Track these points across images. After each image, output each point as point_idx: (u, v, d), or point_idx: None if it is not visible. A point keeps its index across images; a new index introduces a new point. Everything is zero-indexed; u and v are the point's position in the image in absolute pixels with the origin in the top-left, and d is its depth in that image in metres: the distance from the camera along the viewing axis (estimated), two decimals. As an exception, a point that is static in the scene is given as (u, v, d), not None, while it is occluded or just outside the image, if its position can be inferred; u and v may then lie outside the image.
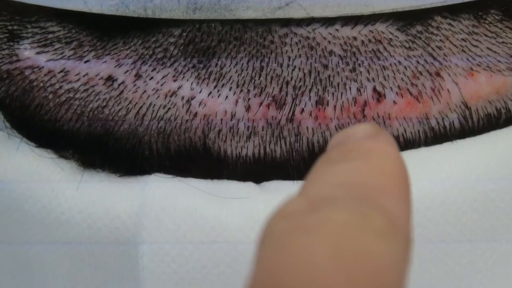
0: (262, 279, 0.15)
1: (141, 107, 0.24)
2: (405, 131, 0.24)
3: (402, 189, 0.17)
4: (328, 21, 0.24)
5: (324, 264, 0.15)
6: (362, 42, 0.24)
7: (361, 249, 0.15)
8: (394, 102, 0.24)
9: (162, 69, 0.24)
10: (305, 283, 0.14)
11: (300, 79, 0.24)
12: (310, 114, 0.24)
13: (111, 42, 0.25)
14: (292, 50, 0.24)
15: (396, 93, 0.24)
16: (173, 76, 0.24)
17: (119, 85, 0.24)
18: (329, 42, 0.24)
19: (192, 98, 0.24)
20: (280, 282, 0.15)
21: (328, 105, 0.24)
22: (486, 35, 0.25)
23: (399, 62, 0.24)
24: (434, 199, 0.23)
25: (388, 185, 0.17)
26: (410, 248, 0.16)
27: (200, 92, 0.24)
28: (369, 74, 0.24)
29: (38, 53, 0.25)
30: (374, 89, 0.24)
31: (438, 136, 0.25)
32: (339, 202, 0.16)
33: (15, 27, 0.25)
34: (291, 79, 0.24)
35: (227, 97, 0.24)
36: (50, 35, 0.25)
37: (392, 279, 0.15)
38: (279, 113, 0.24)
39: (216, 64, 0.24)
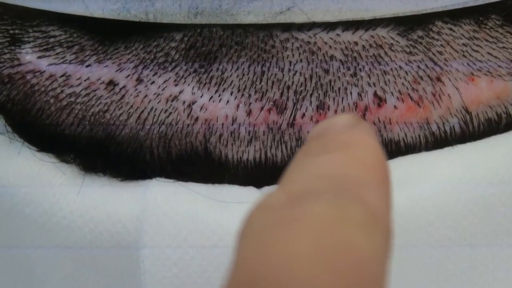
0: (242, 273, 0.15)
1: (142, 111, 0.24)
2: (405, 135, 0.24)
3: (382, 181, 0.17)
4: (329, 26, 0.24)
5: (306, 257, 0.15)
6: (363, 47, 0.24)
7: (343, 241, 0.15)
8: (395, 107, 0.24)
9: (164, 73, 0.24)
10: (287, 275, 0.14)
11: (301, 83, 0.24)
12: (311, 119, 0.24)
13: (113, 46, 0.25)
14: (293, 54, 0.24)
15: (397, 98, 0.24)
16: (175, 80, 0.24)
17: (120, 89, 0.24)
18: (330, 47, 0.24)
19: (193, 102, 0.24)
20: (260, 275, 0.15)
21: (329, 110, 0.24)
22: (486, 40, 0.25)
23: (400, 67, 0.24)
24: (434, 203, 0.23)
25: (368, 176, 0.17)
26: (391, 240, 0.16)
27: (201, 97, 0.24)
28: (370, 79, 0.24)
29: (39, 57, 0.25)
30: (375, 94, 0.24)
31: (438, 140, 0.25)
32: (319, 195, 0.16)
33: (16, 31, 0.25)
34: (292, 84, 0.24)
35: (228, 101, 0.24)
36: (52, 39, 0.25)
37: (374, 270, 0.15)
38: (280, 117, 0.24)
39: (217, 69, 0.24)
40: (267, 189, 0.25)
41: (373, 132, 0.19)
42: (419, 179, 0.24)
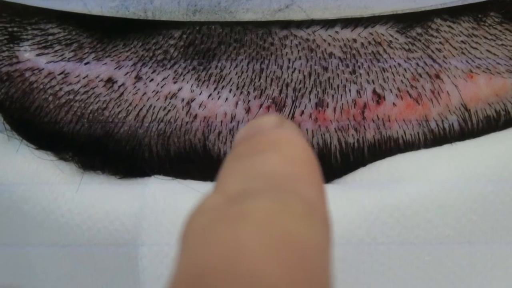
0: (187, 268, 0.15)
1: (141, 109, 0.24)
2: (404, 133, 0.24)
3: (313, 175, 0.18)
4: (328, 23, 0.24)
5: (252, 249, 0.15)
6: (362, 44, 0.24)
7: (286, 232, 0.16)
8: (394, 104, 0.24)
9: (162, 71, 0.24)
10: (234, 266, 0.15)
11: (300, 81, 0.24)
12: (310, 116, 0.24)
13: (111, 44, 0.25)
14: (292, 52, 0.24)
15: (396, 95, 0.24)
16: (173, 78, 0.24)
17: (119, 87, 0.24)
18: (329, 44, 0.24)
19: (192, 100, 0.24)
20: (207, 268, 0.15)
21: (328, 107, 0.24)
22: (485, 38, 0.25)
23: (399, 64, 0.24)
24: (433, 201, 0.23)
25: (300, 172, 0.18)
26: (330, 229, 0.17)
27: (200, 94, 0.24)
28: (368, 76, 0.24)
29: (38, 55, 0.25)
30: (374, 91, 0.24)
31: (437, 138, 0.25)
32: (258, 192, 0.17)
33: (15, 29, 0.25)
34: (291, 81, 0.24)
35: (227, 99, 0.24)
36: (50, 37, 0.25)
37: (318, 258, 0.16)
38: (279, 115, 0.24)
39: (216, 66, 0.24)
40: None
41: (298, 130, 0.20)
42: (418, 176, 0.24)
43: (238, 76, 0.24)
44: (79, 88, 0.25)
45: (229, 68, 0.24)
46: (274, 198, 0.17)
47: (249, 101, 0.24)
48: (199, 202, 0.17)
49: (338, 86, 0.24)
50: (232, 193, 0.17)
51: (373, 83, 0.24)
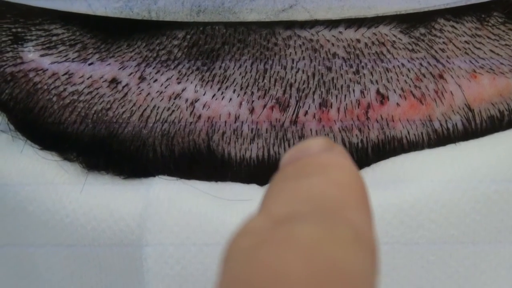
0: None
1: (145, 109, 0.24)
2: (408, 133, 0.24)
3: (362, 200, 0.18)
4: (331, 24, 0.24)
5: (296, 276, 0.15)
6: (366, 44, 0.24)
7: (332, 259, 0.15)
8: (398, 104, 0.24)
9: (166, 71, 0.24)
10: None
11: (304, 81, 0.24)
12: (314, 116, 0.24)
13: (115, 44, 0.25)
14: (295, 52, 0.24)
15: (400, 95, 0.24)
16: (177, 78, 0.24)
17: (123, 87, 0.25)
18: (333, 44, 0.24)
19: (196, 100, 0.24)
20: None
21: (331, 107, 0.24)
22: (489, 38, 0.25)
23: (403, 64, 0.24)
24: (437, 200, 0.23)
25: (348, 197, 0.17)
26: (377, 257, 0.17)
27: (204, 95, 0.24)
28: (372, 76, 0.24)
29: (42, 55, 0.25)
30: (378, 92, 0.24)
31: (441, 138, 0.25)
32: (304, 216, 0.16)
33: (19, 29, 0.25)
34: (295, 82, 0.24)
35: (231, 99, 0.24)
36: (54, 38, 0.25)
37: (362, 287, 0.15)
38: (283, 115, 0.24)
39: (220, 67, 0.24)
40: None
41: (347, 154, 0.19)
42: (422, 176, 0.24)
43: (242, 77, 0.24)
44: (83, 89, 0.25)
45: (233, 68, 0.24)
46: (321, 223, 0.16)
47: (253, 101, 0.24)
48: (243, 222, 0.17)
49: (342, 86, 0.24)
50: (278, 215, 0.17)
51: (377, 83, 0.24)
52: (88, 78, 0.25)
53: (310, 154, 0.19)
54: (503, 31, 0.25)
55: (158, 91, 0.24)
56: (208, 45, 0.24)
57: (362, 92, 0.24)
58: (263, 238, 0.16)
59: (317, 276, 0.15)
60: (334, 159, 0.19)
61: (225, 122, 0.24)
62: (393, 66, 0.24)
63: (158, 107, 0.24)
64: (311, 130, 0.24)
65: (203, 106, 0.24)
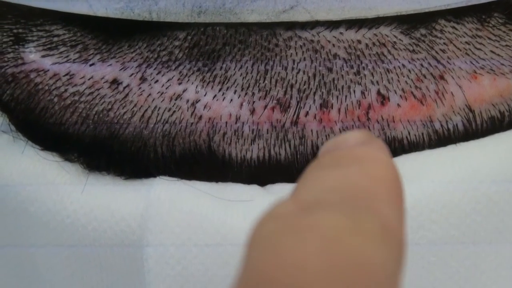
0: (249, 279, 0.15)
1: (146, 110, 0.24)
2: (409, 134, 0.24)
3: (395, 195, 0.17)
4: (332, 25, 0.24)
5: (316, 267, 0.14)
6: (366, 45, 0.24)
7: (354, 252, 0.15)
8: (398, 105, 0.24)
9: (167, 72, 0.24)
10: (294, 285, 0.14)
11: (305, 82, 0.24)
12: (315, 117, 0.24)
13: (116, 45, 0.25)
14: (296, 53, 0.24)
15: (400, 96, 0.24)
16: (178, 79, 0.24)
17: (124, 88, 0.25)
18: (334, 45, 0.24)
19: (197, 101, 0.24)
20: (268, 282, 0.14)
21: (332, 108, 0.24)
22: (489, 38, 0.25)
23: (403, 65, 0.24)
24: (437, 201, 0.23)
25: (380, 190, 0.17)
26: (403, 253, 0.16)
27: (205, 95, 0.24)
28: (373, 77, 0.24)
29: (43, 56, 0.25)
30: (378, 92, 0.24)
31: (442, 138, 0.25)
32: (331, 206, 0.16)
33: (20, 30, 0.25)
34: (296, 82, 0.24)
35: (231, 100, 0.24)
36: (55, 39, 0.25)
37: (386, 283, 0.15)
38: (284, 116, 0.24)
39: (221, 67, 0.24)
40: (272, 188, 0.25)
41: (386, 148, 0.19)
42: (422, 177, 0.24)
43: (243, 77, 0.24)
44: (84, 89, 0.25)
45: (234, 69, 0.24)
46: (348, 213, 0.16)
47: (253, 102, 0.24)
48: (271, 206, 0.17)
49: (342, 87, 0.24)
50: (305, 202, 0.16)
51: (378, 84, 0.24)
52: (89, 79, 0.25)
53: (348, 146, 0.19)
54: (504, 31, 0.25)
55: (159, 92, 0.24)
56: (209, 46, 0.24)
57: (362, 93, 0.24)
58: (287, 225, 0.16)
59: (334, 270, 0.14)
60: (371, 152, 0.19)
61: (226, 122, 0.24)
62: (394, 67, 0.24)
63: (159, 108, 0.24)
64: (311, 130, 0.24)
65: (204, 107, 0.24)
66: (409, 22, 0.24)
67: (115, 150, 0.25)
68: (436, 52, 0.24)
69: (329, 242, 0.15)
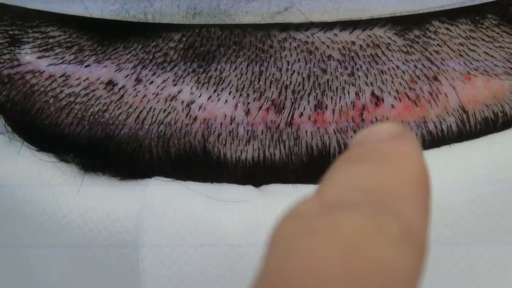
0: (268, 279, 0.15)
1: (141, 111, 0.25)
2: (403, 134, 0.24)
3: (421, 196, 0.17)
4: (326, 26, 0.24)
5: (333, 270, 0.14)
6: (361, 46, 0.24)
7: (373, 255, 0.15)
8: (392, 106, 0.24)
9: (162, 73, 0.24)
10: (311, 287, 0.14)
11: (299, 83, 0.24)
12: (309, 118, 0.24)
13: (112, 46, 0.25)
14: (291, 54, 0.24)
15: (394, 97, 0.24)
16: (173, 80, 0.24)
17: (119, 89, 0.25)
18: (328, 46, 0.24)
19: (192, 102, 0.24)
20: (286, 284, 0.14)
21: (326, 109, 0.24)
22: (483, 40, 0.25)
23: (397, 66, 0.24)
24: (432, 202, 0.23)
25: (407, 190, 0.17)
26: (425, 257, 0.16)
27: (199, 96, 0.24)
28: (367, 78, 0.24)
29: (39, 57, 0.25)
30: (372, 93, 0.24)
31: (436, 139, 0.25)
32: (354, 206, 0.16)
33: (16, 32, 0.25)
34: (290, 83, 0.24)
35: (226, 101, 0.24)
36: (51, 40, 0.25)
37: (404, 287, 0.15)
38: (278, 117, 0.24)
39: (216, 69, 0.24)
40: (267, 189, 0.25)
41: (418, 144, 0.18)
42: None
43: (238, 79, 0.24)
44: (80, 91, 0.25)
45: (229, 70, 0.24)
46: (369, 214, 0.15)
47: (248, 103, 0.24)
48: (296, 203, 0.16)
49: (337, 88, 0.24)
50: (329, 201, 0.16)
51: (372, 85, 0.24)
52: (84, 80, 0.25)
53: (378, 139, 0.18)
54: (497, 33, 0.25)
55: (154, 93, 0.24)
56: (204, 47, 0.24)
57: (357, 94, 0.24)
58: (307, 225, 0.15)
59: (352, 276, 0.14)
60: (401, 147, 0.18)
61: (221, 123, 0.24)
62: (388, 68, 0.24)
63: (154, 109, 0.24)
64: (306, 131, 0.24)
65: (199, 108, 0.24)
66: (403, 24, 0.24)
67: (110, 151, 0.25)
68: (430, 54, 0.25)
69: (348, 246, 0.15)
